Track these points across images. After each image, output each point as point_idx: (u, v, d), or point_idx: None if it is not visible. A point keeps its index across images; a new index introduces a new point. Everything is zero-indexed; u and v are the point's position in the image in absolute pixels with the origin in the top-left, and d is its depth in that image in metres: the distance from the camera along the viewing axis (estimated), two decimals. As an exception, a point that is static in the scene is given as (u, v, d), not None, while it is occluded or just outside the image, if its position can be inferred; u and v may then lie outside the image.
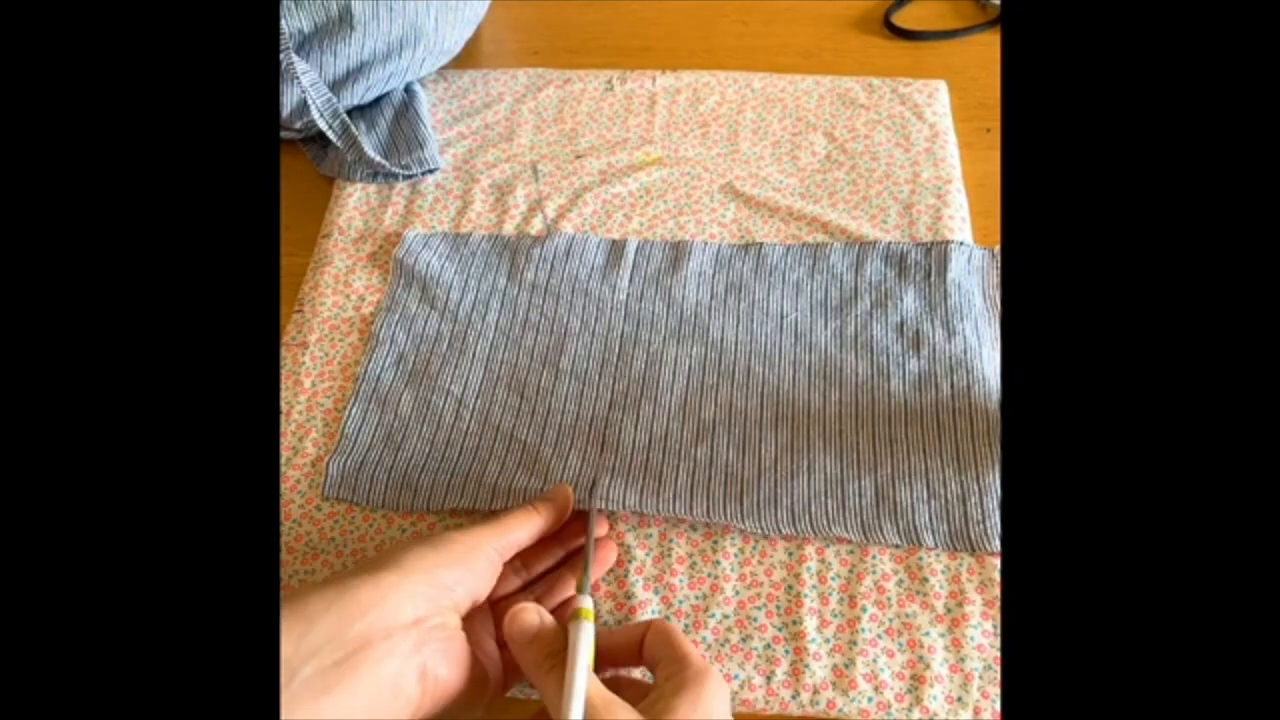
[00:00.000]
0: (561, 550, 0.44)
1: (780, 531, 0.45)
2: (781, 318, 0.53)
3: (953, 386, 0.49)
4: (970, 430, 0.48)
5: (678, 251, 0.57)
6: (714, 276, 0.56)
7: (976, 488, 0.46)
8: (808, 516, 0.45)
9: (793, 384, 0.50)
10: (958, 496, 0.45)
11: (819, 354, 0.51)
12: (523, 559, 0.43)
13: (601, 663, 0.37)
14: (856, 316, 0.53)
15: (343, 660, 0.32)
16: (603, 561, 0.44)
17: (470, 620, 0.39)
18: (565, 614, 0.38)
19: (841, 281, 0.55)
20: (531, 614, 0.37)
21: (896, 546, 0.44)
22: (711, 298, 0.55)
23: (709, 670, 0.35)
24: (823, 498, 0.46)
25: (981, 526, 0.44)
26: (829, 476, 0.46)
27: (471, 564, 0.38)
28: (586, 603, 0.37)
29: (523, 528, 0.41)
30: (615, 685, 0.36)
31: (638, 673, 0.40)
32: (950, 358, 0.50)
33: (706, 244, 0.57)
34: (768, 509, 0.45)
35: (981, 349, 0.51)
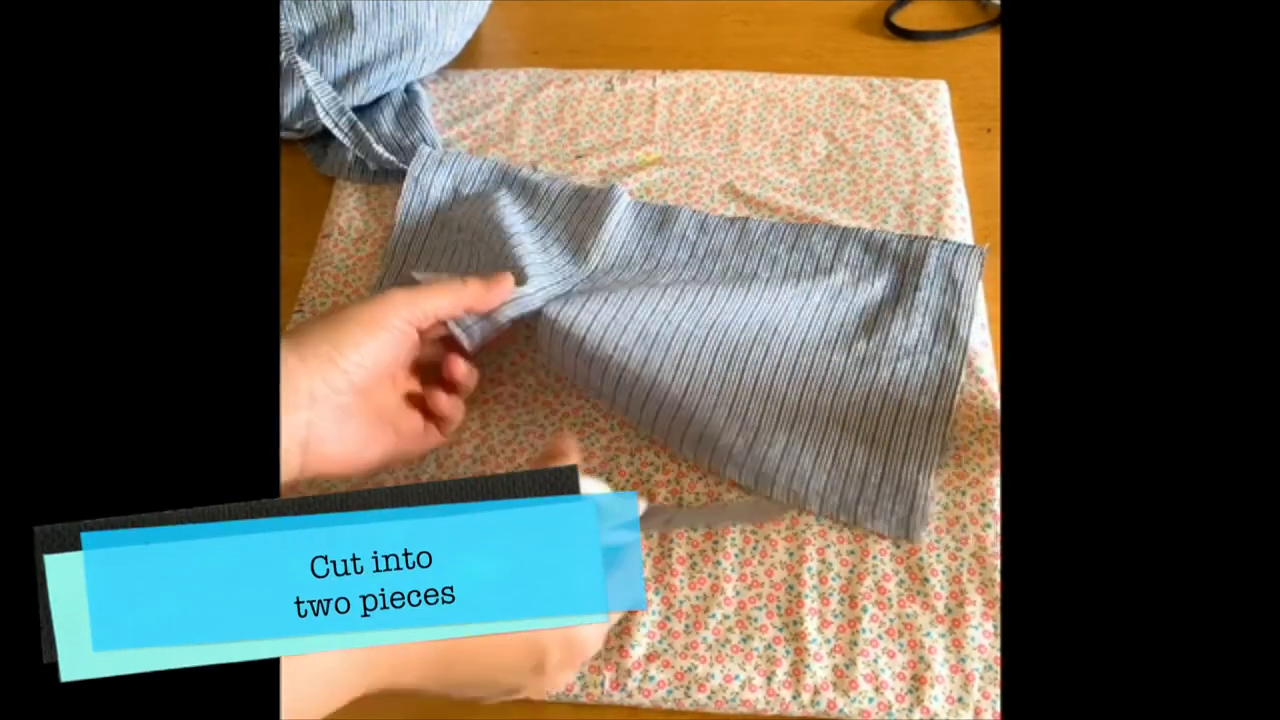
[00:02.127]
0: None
1: (680, 451, 0.47)
2: (751, 278, 0.54)
3: (893, 374, 0.50)
4: (895, 418, 0.48)
5: (665, 215, 0.57)
6: (695, 241, 0.56)
7: (880, 470, 0.46)
8: (711, 449, 0.46)
9: (742, 329, 0.51)
10: (859, 473, 0.46)
11: (778, 309, 0.52)
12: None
13: None
14: (825, 289, 0.53)
15: None
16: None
17: (388, 384, 0.41)
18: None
19: (819, 261, 0.55)
20: None
21: (784, 505, 0.46)
22: (690, 256, 0.56)
23: None
24: (733, 435, 0.46)
25: (872, 507, 0.45)
26: (747, 422, 0.47)
27: (376, 336, 0.39)
28: None
29: (443, 295, 0.41)
30: None
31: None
32: (899, 347, 0.51)
33: (695, 211, 0.58)
34: (677, 427, 0.47)
35: (934, 344, 0.51)
